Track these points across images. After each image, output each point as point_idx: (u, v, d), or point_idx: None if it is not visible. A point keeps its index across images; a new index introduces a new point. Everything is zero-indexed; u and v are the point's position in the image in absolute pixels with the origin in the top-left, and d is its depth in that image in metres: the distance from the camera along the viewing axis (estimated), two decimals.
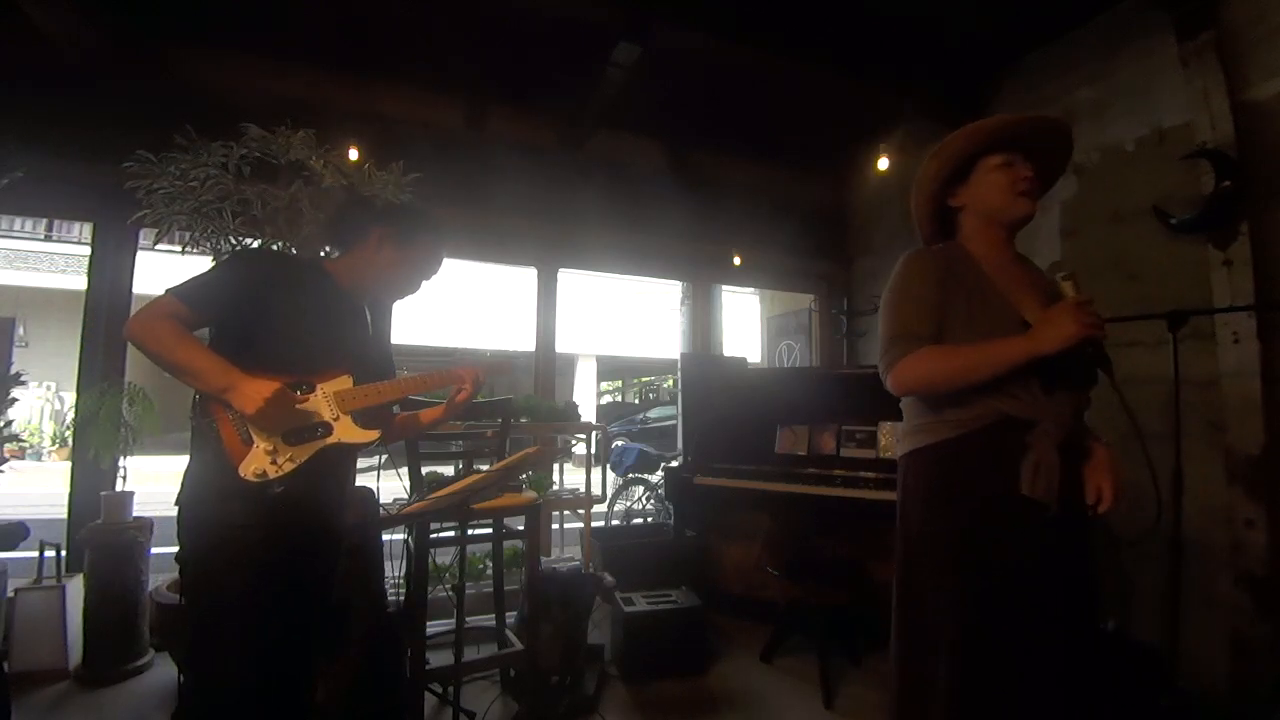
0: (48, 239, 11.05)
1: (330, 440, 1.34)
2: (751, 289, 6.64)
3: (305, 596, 1.34)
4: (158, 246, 3.09)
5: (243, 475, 1.21)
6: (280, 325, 1.33)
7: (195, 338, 1.26)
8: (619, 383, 18.18)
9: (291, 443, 1.28)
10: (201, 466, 1.28)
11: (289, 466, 1.26)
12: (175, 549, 1.28)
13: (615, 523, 4.89)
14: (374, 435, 1.41)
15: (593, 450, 3.42)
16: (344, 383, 1.38)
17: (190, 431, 1.30)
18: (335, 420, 1.35)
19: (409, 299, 1.61)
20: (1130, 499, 1.32)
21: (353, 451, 1.43)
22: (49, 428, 10.44)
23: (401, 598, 2.10)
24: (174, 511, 1.27)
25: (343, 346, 1.42)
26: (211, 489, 1.25)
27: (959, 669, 1.20)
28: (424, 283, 1.60)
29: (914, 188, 1.43)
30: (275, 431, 1.26)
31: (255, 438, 1.24)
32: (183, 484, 1.29)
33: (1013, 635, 1.18)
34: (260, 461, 1.24)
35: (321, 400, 1.34)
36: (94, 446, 2.50)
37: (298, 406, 1.28)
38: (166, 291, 1.27)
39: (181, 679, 1.17)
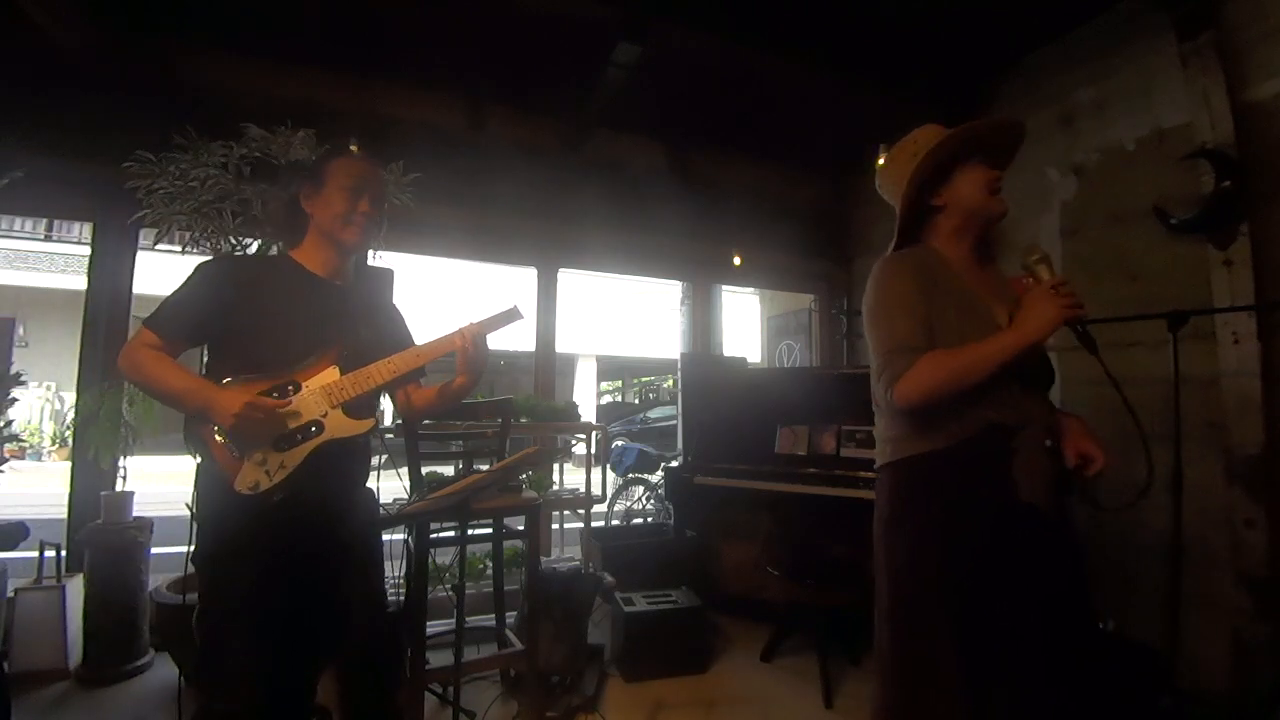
0: (48, 239, 11.06)
1: (322, 439, 1.31)
2: (751, 289, 6.64)
3: (309, 600, 1.33)
4: (158, 246, 3.10)
5: (239, 489, 1.23)
6: (252, 328, 1.32)
7: (173, 362, 1.29)
8: (619, 383, 18.17)
9: (281, 449, 1.28)
10: (205, 481, 1.31)
11: (281, 475, 1.26)
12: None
13: (615, 523, 4.90)
14: (368, 425, 1.38)
15: (593, 450, 3.41)
16: (330, 374, 1.35)
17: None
18: (325, 416, 1.32)
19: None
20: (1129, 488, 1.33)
21: (355, 446, 1.40)
22: (49, 428, 10.44)
23: (401, 598, 2.10)
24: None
25: (321, 336, 1.37)
26: (215, 505, 1.28)
27: (958, 670, 1.20)
28: (359, 200, 1.40)
29: (901, 184, 1.37)
30: (262, 441, 1.26)
31: (244, 450, 1.25)
32: (195, 494, 1.33)
33: (1004, 635, 1.19)
34: (253, 474, 1.24)
35: (309, 399, 1.31)
36: (94, 446, 2.50)
37: (279, 411, 1.26)
38: (142, 322, 1.31)
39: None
